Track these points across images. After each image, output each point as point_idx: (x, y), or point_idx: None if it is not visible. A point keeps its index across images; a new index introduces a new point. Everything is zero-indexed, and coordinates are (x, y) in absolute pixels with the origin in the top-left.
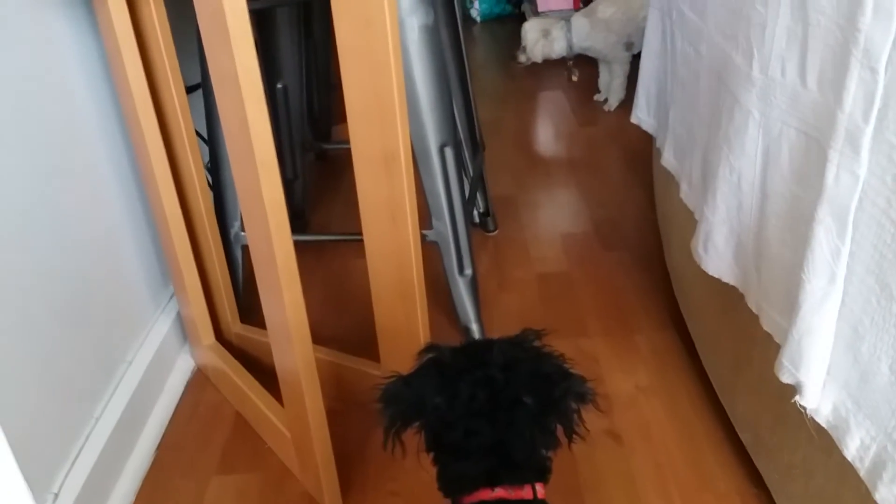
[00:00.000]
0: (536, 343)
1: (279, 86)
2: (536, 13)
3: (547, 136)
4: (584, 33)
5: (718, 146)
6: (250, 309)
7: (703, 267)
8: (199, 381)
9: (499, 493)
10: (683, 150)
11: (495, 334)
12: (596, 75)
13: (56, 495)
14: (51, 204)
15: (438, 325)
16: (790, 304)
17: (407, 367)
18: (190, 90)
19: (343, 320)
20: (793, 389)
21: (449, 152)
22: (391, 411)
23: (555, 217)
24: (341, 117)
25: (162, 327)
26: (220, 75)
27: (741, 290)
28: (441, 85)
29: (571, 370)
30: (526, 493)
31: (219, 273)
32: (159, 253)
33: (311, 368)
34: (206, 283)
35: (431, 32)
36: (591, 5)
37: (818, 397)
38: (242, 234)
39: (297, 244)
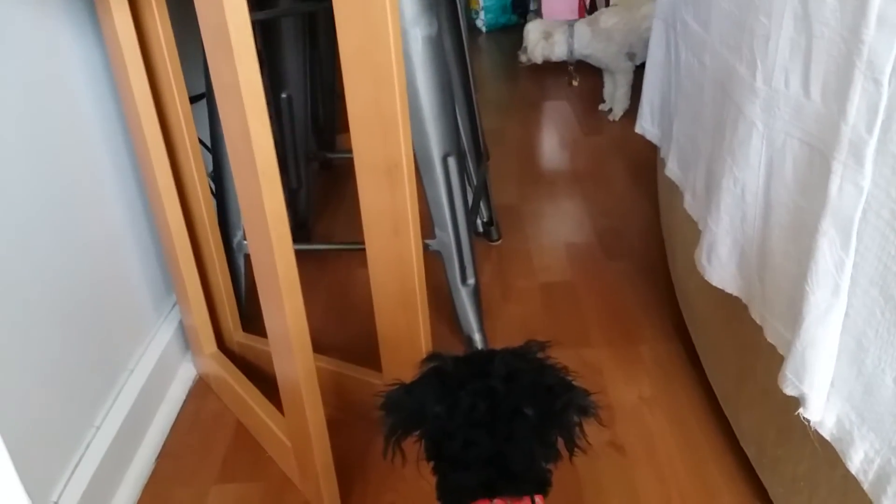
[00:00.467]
0: (540, 355)
1: (283, 95)
2: None
3: (551, 145)
4: (585, 41)
5: (722, 157)
6: (253, 317)
7: (706, 277)
8: (201, 389)
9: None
10: (687, 161)
11: (498, 344)
12: (600, 84)
13: None
14: (53, 212)
15: (441, 334)
16: (794, 316)
17: (408, 376)
18: (195, 99)
19: (346, 329)
20: (797, 402)
21: (452, 162)
22: (392, 419)
23: (559, 227)
24: (346, 126)
25: (164, 336)
26: (222, 86)
27: (745, 300)
28: (444, 95)
29: (574, 382)
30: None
31: (221, 282)
32: (162, 261)
33: (311, 378)
34: (209, 292)
35: (435, 43)
36: (595, 14)
37: (822, 410)
38: (245, 242)
39: (300, 253)
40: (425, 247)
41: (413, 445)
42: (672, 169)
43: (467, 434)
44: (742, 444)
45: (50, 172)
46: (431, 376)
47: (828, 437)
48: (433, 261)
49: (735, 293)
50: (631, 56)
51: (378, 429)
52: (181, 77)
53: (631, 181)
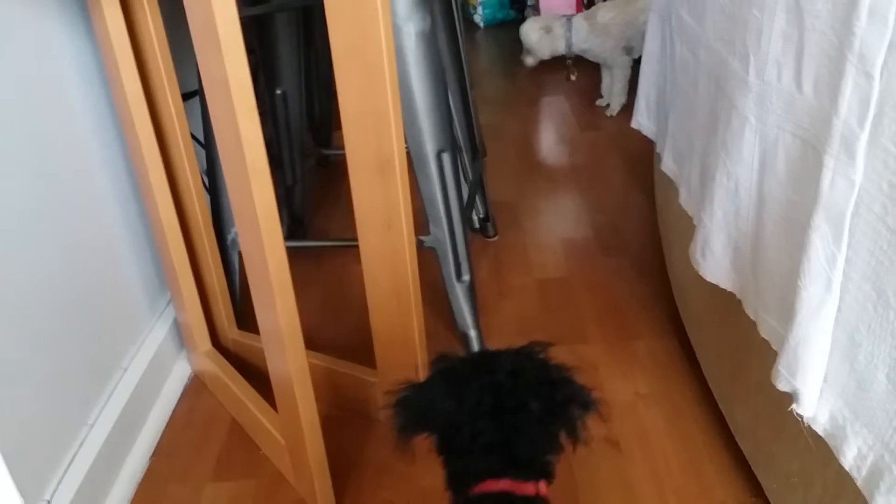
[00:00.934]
0: (542, 354)
1: (278, 92)
2: None
3: (548, 141)
4: (583, 35)
5: (715, 151)
6: (248, 314)
7: (701, 273)
8: (196, 387)
9: (504, 483)
10: (683, 156)
11: (494, 341)
12: (597, 80)
13: (49, 502)
14: (46, 209)
15: (436, 331)
16: (787, 311)
17: (402, 373)
18: (189, 96)
19: (341, 326)
20: (790, 397)
21: (446, 158)
22: (403, 417)
23: (555, 222)
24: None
25: (158, 333)
26: (211, 82)
27: (739, 296)
28: (438, 91)
29: (575, 379)
30: (529, 488)
31: (215, 279)
32: (156, 258)
33: (304, 375)
34: (203, 289)
35: (428, 38)
36: (592, 9)
37: (815, 406)
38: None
39: (295, 249)
40: (420, 243)
41: (422, 441)
42: (667, 164)
43: (475, 426)
44: (737, 439)
45: (42, 170)
46: (439, 375)
47: (821, 433)
48: (429, 257)
49: (729, 288)
50: (628, 50)
51: (372, 425)
52: (173, 74)
53: (628, 177)
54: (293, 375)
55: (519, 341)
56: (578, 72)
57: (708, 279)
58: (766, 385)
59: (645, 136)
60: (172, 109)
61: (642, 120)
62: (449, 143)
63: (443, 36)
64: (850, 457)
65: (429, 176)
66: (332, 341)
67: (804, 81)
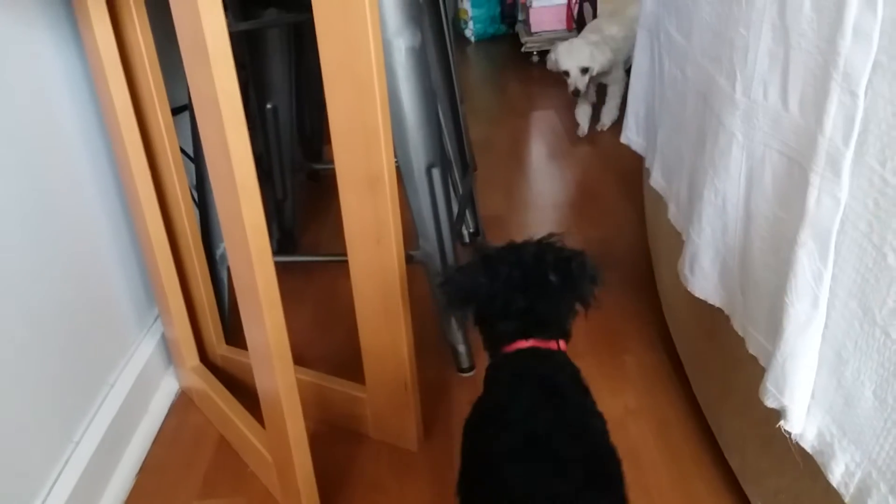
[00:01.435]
0: (559, 242)
1: (269, 106)
2: (530, 33)
3: (539, 155)
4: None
5: (703, 168)
6: (236, 330)
7: (689, 289)
8: (183, 403)
9: (531, 342)
10: (671, 171)
11: (483, 357)
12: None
13: None
14: (34, 223)
15: (426, 345)
16: (774, 327)
17: (391, 389)
18: (178, 111)
19: (330, 341)
20: (778, 413)
21: (436, 173)
22: (448, 294)
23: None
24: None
25: (146, 349)
26: (200, 98)
27: (727, 312)
28: (428, 106)
29: (587, 258)
30: (552, 345)
31: (204, 294)
32: (144, 273)
33: (292, 392)
34: (191, 305)
35: (418, 54)
36: (595, 23)
37: (803, 422)
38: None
39: (285, 264)
40: (410, 258)
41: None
42: (657, 179)
43: (506, 296)
44: (725, 454)
45: (30, 184)
46: (477, 259)
47: (809, 450)
48: (418, 271)
49: (717, 304)
50: (627, 64)
51: (361, 441)
52: (163, 88)
53: (618, 191)
54: (281, 392)
55: None
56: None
57: (696, 294)
58: (755, 401)
59: (634, 152)
60: (162, 124)
61: (631, 135)
62: (439, 157)
63: (433, 51)
64: (838, 473)
65: (418, 191)
66: (320, 356)
67: (790, 99)
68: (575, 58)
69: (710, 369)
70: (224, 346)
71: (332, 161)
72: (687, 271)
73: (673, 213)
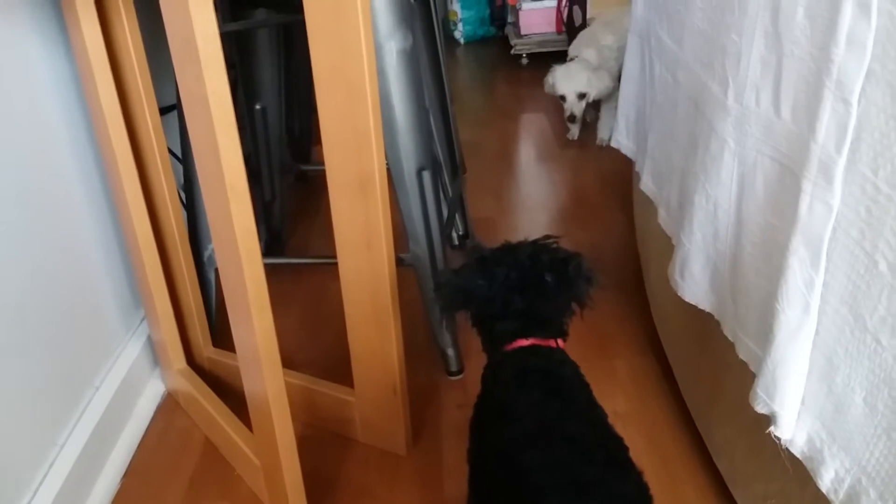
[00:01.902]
0: (554, 243)
1: (258, 107)
2: (519, 35)
3: (528, 158)
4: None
5: (695, 173)
6: (223, 332)
7: (679, 294)
8: (169, 406)
9: (532, 340)
10: (661, 176)
11: (473, 360)
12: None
13: None
14: (19, 226)
15: (415, 349)
16: (765, 333)
17: (380, 392)
18: (166, 111)
19: (318, 344)
20: (768, 419)
21: (427, 176)
22: (446, 296)
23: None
24: (321, 139)
25: (132, 351)
26: (190, 99)
27: (717, 317)
28: (419, 109)
29: (582, 260)
30: (551, 343)
31: (191, 296)
32: (130, 275)
33: (281, 396)
34: (178, 306)
35: (410, 56)
36: (590, 32)
37: (793, 428)
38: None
39: (273, 266)
40: (399, 261)
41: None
42: (647, 183)
43: (504, 297)
44: (715, 460)
45: (15, 185)
46: (473, 261)
47: (798, 456)
48: (408, 274)
49: (708, 309)
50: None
51: (350, 445)
52: (151, 88)
53: (607, 195)
54: (270, 396)
55: None
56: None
57: (686, 299)
58: (744, 406)
59: (624, 156)
60: (150, 124)
61: (622, 139)
62: (429, 160)
63: (424, 53)
64: (828, 479)
65: (409, 194)
66: (309, 359)
67: (782, 106)
68: (573, 83)
69: (700, 374)
70: (211, 348)
71: (320, 162)
72: (677, 276)
73: (663, 217)
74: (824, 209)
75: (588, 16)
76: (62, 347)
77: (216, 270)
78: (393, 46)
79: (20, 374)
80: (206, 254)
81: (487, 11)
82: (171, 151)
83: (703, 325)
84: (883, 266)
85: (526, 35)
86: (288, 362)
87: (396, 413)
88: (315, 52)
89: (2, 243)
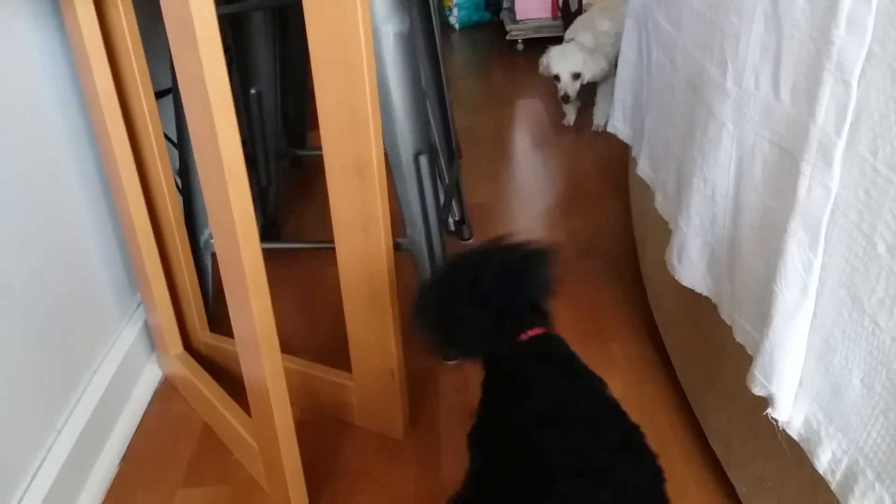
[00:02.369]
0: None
1: (253, 91)
2: (515, 21)
3: (524, 143)
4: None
5: (692, 157)
6: (220, 317)
7: (676, 277)
8: (167, 391)
9: (544, 329)
10: (659, 161)
11: None
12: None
13: None
14: (14, 210)
15: (411, 333)
16: (762, 316)
17: (378, 377)
18: (161, 94)
19: (316, 328)
20: (765, 401)
21: (423, 161)
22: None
23: (530, 225)
24: (317, 124)
25: (128, 336)
26: (187, 82)
27: (714, 301)
28: (416, 93)
29: (540, 248)
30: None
31: (187, 281)
32: (126, 260)
33: (279, 380)
34: (175, 291)
35: (406, 40)
36: (588, 17)
37: (790, 410)
38: (213, 241)
39: (269, 251)
40: (396, 246)
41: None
42: (643, 168)
43: (505, 294)
44: (711, 442)
45: (10, 169)
46: (450, 277)
47: (795, 437)
48: (404, 259)
49: (705, 293)
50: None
51: (348, 429)
52: (146, 72)
53: (603, 180)
54: (268, 380)
55: None
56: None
57: (684, 284)
58: (741, 389)
59: (620, 141)
60: (145, 108)
61: (618, 124)
62: (426, 145)
63: (420, 38)
64: (825, 461)
65: (406, 178)
66: (306, 344)
67: (782, 89)
68: (567, 63)
69: (696, 358)
70: (208, 333)
71: (315, 147)
72: (675, 260)
73: (660, 202)
74: (823, 192)
75: (585, 3)
76: (59, 333)
77: (213, 255)
78: (390, 30)
79: (17, 360)
80: (203, 239)
81: None
82: (166, 136)
83: (700, 309)
84: (881, 248)
85: (521, 20)
86: (285, 347)
87: (394, 397)
88: (312, 35)
89: None
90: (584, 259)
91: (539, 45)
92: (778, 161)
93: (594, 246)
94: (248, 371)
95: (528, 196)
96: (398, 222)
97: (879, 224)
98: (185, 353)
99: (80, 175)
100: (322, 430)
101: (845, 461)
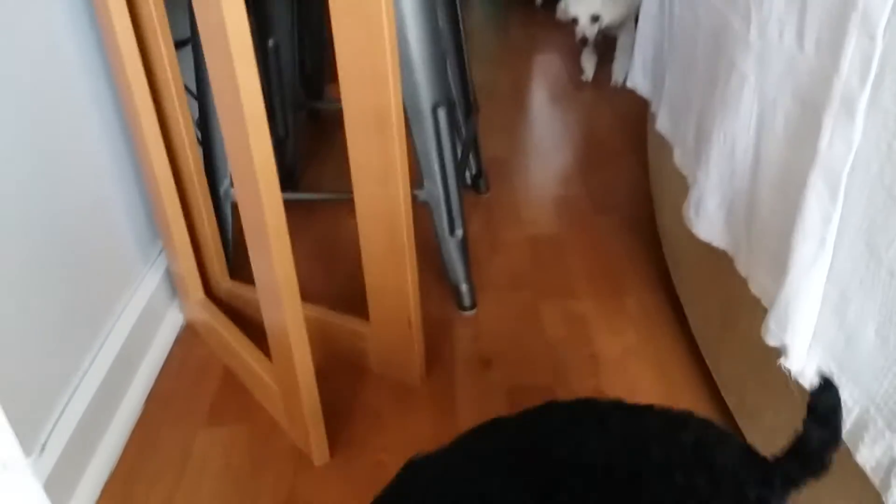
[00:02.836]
0: None
1: (270, 43)
2: None
3: (541, 98)
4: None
5: (713, 111)
6: (239, 266)
7: (693, 231)
8: (188, 336)
9: None
10: (678, 115)
11: (485, 295)
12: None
13: (44, 445)
14: (38, 160)
15: (428, 284)
16: (779, 268)
17: (395, 325)
18: (179, 45)
19: (332, 279)
20: (778, 353)
21: (442, 112)
22: None
23: (547, 180)
24: (334, 76)
25: (150, 283)
26: (208, 29)
27: (731, 254)
28: (435, 44)
29: None
30: None
31: (208, 229)
32: (148, 209)
33: (299, 321)
34: (196, 240)
35: None
36: None
37: (803, 360)
38: (232, 190)
39: (287, 203)
40: (413, 198)
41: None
42: (662, 123)
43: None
44: (723, 393)
45: (33, 120)
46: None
47: (807, 388)
48: (421, 211)
49: (721, 247)
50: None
51: (365, 376)
52: (166, 22)
53: (620, 136)
54: (288, 321)
55: (510, 295)
56: (567, 30)
57: (701, 237)
58: (754, 341)
59: (638, 96)
60: (165, 59)
61: (638, 79)
62: (445, 97)
63: None
64: None
65: (424, 130)
66: (323, 293)
67: (806, 41)
68: (586, 5)
69: (710, 311)
70: (228, 280)
71: (333, 99)
72: (692, 214)
73: (678, 156)
74: (845, 144)
75: None
76: (83, 277)
77: (232, 205)
78: None
79: (44, 304)
80: (222, 188)
81: None
82: (185, 87)
83: (716, 263)
84: None
85: None
86: (303, 296)
87: (410, 345)
88: None
89: (21, 180)
90: (600, 214)
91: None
92: (800, 114)
93: (611, 201)
94: (268, 313)
95: (545, 151)
96: (416, 175)
97: None
98: (206, 298)
99: (102, 124)
100: (339, 376)
101: (856, 410)
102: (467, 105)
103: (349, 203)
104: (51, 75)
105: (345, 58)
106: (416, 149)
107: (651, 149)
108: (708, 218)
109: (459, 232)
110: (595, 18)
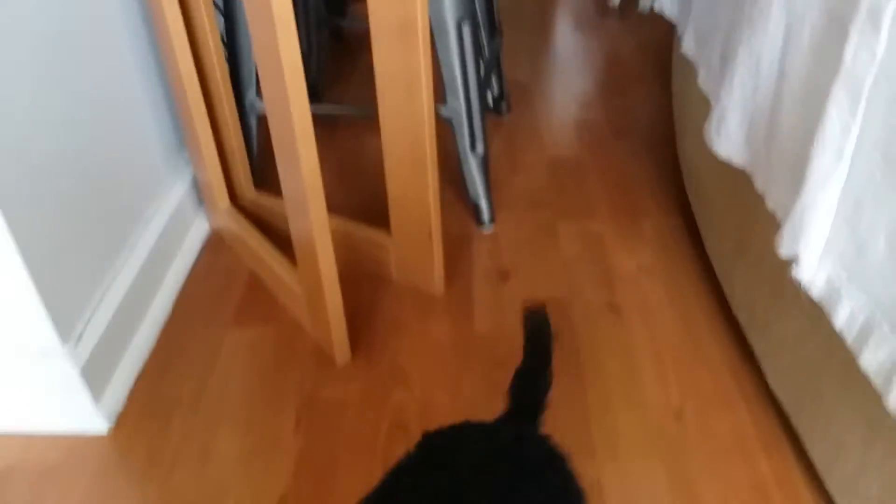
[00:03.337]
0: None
1: None
2: None
3: (566, 24)
4: None
5: (740, 28)
6: (264, 178)
7: (714, 149)
8: (215, 242)
9: None
10: (705, 36)
11: (504, 213)
12: None
13: (80, 336)
14: (66, 69)
15: (448, 201)
16: (796, 182)
17: (416, 237)
18: None
19: (355, 193)
20: (790, 268)
21: (466, 28)
22: None
23: (568, 104)
24: None
25: (178, 191)
26: None
27: (749, 171)
28: None
29: None
30: None
31: (234, 139)
32: (174, 118)
33: (324, 226)
34: (221, 149)
35: None
36: None
37: (814, 270)
38: (257, 102)
39: (314, 115)
40: (436, 113)
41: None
42: (688, 45)
43: None
44: (734, 310)
45: (61, 29)
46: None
47: (816, 298)
48: (443, 129)
49: (741, 164)
50: None
51: (386, 285)
52: None
53: (643, 63)
54: (314, 226)
55: (528, 214)
56: None
57: (720, 156)
58: (767, 258)
59: (663, 24)
60: None
61: (665, 2)
62: (469, 13)
63: None
64: (843, 317)
65: (448, 45)
66: (345, 205)
67: None
68: None
69: (726, 231)
70: (253, 190)
71: (357, 18)
72: (714, 133)
73: (703, 77)
74: (869, 56)
75: None
76: (114, 183)
77: (257, 117)
78: None
79: (79, 206)
80: (248, 100)
81: None
82: (213, 2)
83: (733, 182)
84: None
85: None
86: (327, 208)
87: (430, 255)
88: None
89: (51, 89)
90: (619, 139)
91: None
92: (826, 26)
93: (631, 126)
94: (294, 219)
95: (567, 75)
96: (439, 92)
97: None
98: (232, 207)
99: (130, 33)
100: (361, 285)
101: (863, 317)
102: (491, 25)
103: (371, 123)
104: None
105: None
106: (441, 63)
107: (675, 73)
108: (728, 136)
109: (480, 148)
110: None
